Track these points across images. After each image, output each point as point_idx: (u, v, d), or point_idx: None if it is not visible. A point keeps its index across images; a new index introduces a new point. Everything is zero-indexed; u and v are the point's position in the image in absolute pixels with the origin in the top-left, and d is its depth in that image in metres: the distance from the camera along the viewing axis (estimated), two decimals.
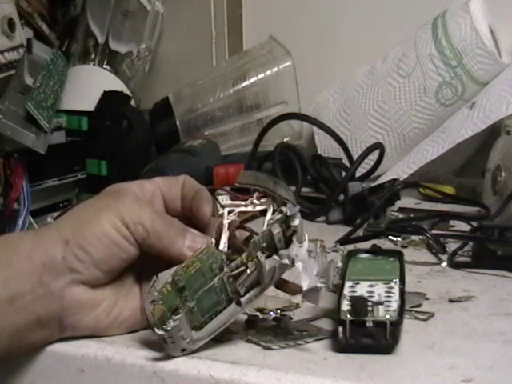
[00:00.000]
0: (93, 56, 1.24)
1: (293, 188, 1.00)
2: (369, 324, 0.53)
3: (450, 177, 1.08)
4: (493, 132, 1.02)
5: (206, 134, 1.17)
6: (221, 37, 1.32)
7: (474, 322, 0.61)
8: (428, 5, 1.19)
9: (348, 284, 0.60)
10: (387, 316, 0.54)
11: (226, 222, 0.57)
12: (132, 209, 0.57)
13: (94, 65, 1.23)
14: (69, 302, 0.56)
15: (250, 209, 0.58)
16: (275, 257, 0.54)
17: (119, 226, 0.56)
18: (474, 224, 0.84)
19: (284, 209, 0.55)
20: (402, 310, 0.56)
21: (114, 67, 1.24)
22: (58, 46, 1.22)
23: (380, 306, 0.55)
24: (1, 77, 1.06)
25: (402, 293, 0.59)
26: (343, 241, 0.84)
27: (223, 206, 0.58)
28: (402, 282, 0.61)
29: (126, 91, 1.20)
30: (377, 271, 0.64)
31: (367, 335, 0.53)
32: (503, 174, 0.91)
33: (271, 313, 0.62)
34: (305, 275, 0.54)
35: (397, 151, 1.15)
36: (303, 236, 0.55)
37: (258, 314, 0.61)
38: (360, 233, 0.87)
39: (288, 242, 0.55)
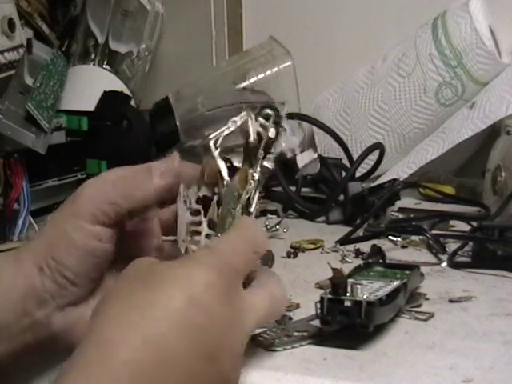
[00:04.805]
0: (93, 56, 1.24)
1: (293, 188, 1.00)
2: (346, 303, 0.55)
3: (449, 177, 1.08)
4: (493, 132, 1.02)
5: (206, 133, 1.17)
6: (221, 37, 1.32)
7: (474, 322, 0.61)
8: (428, 5, 1.19)
9: (349, 281, 0.60)
10: (364, 296, 0.55)
11: (216, 153, 0.57)
12: (93, 196, 0.54)
13: (94, 65, 1.23)
14: (59, 327, 0.54)
15: (233, 128, 0.57)
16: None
17: (84, 227, 0.53)
18: (474, 224, 0.84)
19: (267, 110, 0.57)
20: (390, 299, 0.57)
21: (114, 67, 1.24)
22: (58, 46, 1.22)
23: (358, 286, 0.56)
24: (1, 77, 1.06)
25: (399, 289, 0.59)
26: (343, 241, 0.84)
27: (210, 140, 0.57)
28: (404, 283, 0.61)
29: (126, 91, 1.20)
30: (383, 276, 0.64)
31: (343, 313, 0.55)
32: (503, 174, 0.91)
33: None
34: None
35: (397, 151, 1.15)
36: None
37: None
38: (360, 233, 0.87)
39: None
